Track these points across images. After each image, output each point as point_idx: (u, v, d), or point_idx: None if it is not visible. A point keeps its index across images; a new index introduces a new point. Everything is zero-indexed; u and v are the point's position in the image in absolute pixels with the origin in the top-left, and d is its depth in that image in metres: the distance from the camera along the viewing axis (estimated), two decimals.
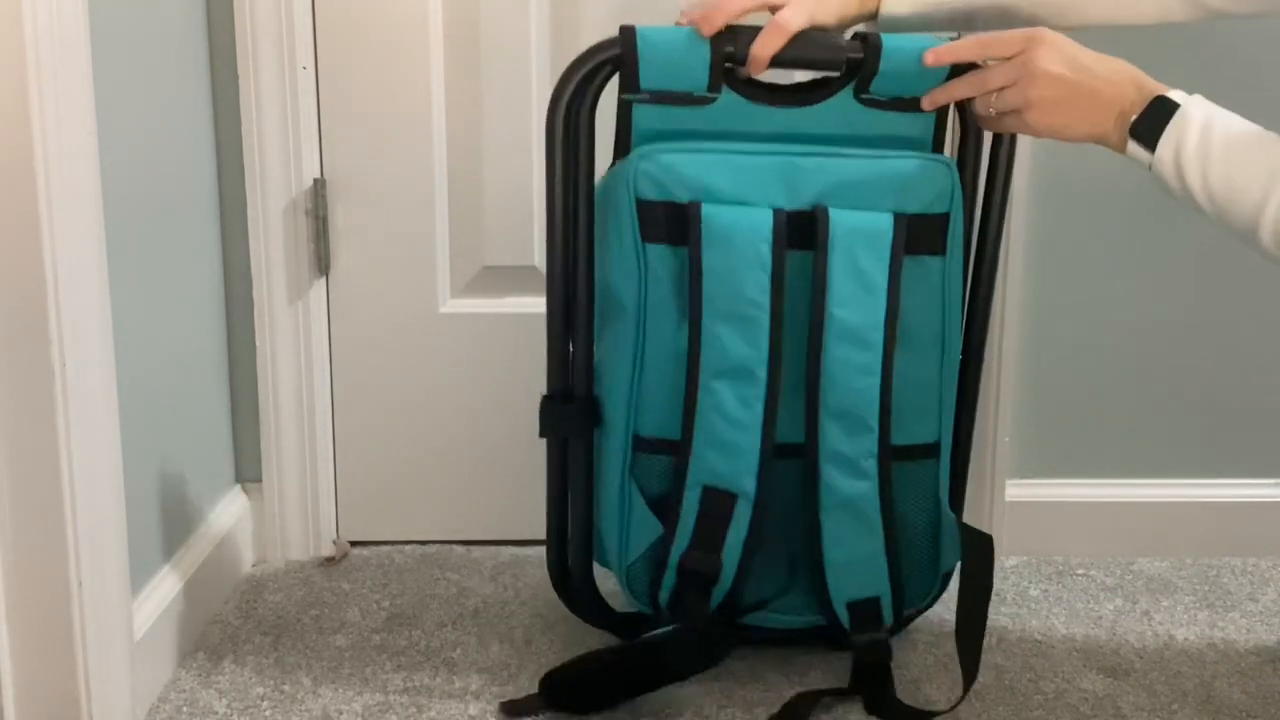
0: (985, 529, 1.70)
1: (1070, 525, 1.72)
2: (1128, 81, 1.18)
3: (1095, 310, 1.69)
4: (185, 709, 1.34)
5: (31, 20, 1.07)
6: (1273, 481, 1.73)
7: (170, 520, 1.46)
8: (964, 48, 1.27)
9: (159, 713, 1.33)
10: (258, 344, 1.64)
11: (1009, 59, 1.21)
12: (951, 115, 1.40)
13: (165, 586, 1.41)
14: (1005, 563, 1.70)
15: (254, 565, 1.68)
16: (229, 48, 1.56)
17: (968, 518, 1.70)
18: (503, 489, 1.71)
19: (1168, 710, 1.36)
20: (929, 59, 1.27)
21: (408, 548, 1.73)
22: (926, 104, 1.31)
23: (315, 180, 1.62)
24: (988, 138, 1.40)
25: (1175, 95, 1.17)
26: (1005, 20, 1.34)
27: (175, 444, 1.47)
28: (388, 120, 1.63)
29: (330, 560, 1.69)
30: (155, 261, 1.40)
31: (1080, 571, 1.68)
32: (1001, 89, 1.22)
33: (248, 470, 1.69)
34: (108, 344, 1.21)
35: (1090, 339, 1.69)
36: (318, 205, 1.63)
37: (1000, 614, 1.56)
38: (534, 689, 1.36)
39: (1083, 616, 1.56)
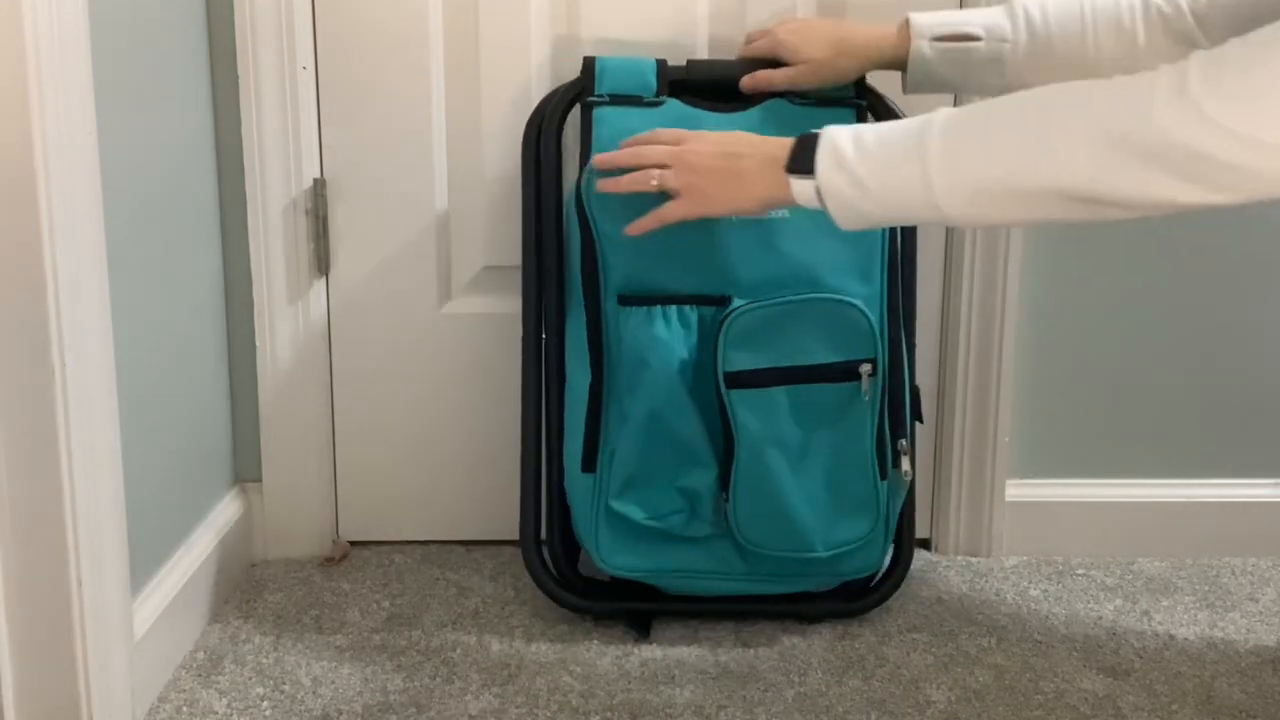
0: (985, 529, 1.71)
1: (1070, 525, 1.72)
2: (774, 146, 1.21)
3: (1095, 311, 1.68)
4: (185, 709, 1.34)
5: (31, 20, 1.07)
6: (1273, 481, 1.73)
7: (170, 520, 1.46)
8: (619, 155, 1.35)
9: (159, 713, 1.33)
10: (258, 344, 1.64)
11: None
12: None
13: (165, 586, 1.41)
14: (1005, 563, 1.70)
15: (254, 565, 1.68)
16: (229, 48, 1.56)
17: (969, 517, 1.71)
18: (503, 489, 1.70)
19: (1168, 710, 1.36)
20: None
21: (408, 548, 1.73)
22: (633, 230, 1.34)
23: (315, 180, 1.62)
24: None
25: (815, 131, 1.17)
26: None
27: (175, 443, 1.47)
28: (388, 120, 1.63)
29: (330, 560, 1.69)
30: (155, 261, 1.40)
31: (1080, 571, 1.68)
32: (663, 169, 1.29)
33: (247, 470, 1.69)
34: (108, 344, 1.21)
35: (1090, 339, 1.69)
36: (318, 205, 1.63)
37: (1000, 614, 1.56)
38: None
39: (1083, 616, 1.56)
